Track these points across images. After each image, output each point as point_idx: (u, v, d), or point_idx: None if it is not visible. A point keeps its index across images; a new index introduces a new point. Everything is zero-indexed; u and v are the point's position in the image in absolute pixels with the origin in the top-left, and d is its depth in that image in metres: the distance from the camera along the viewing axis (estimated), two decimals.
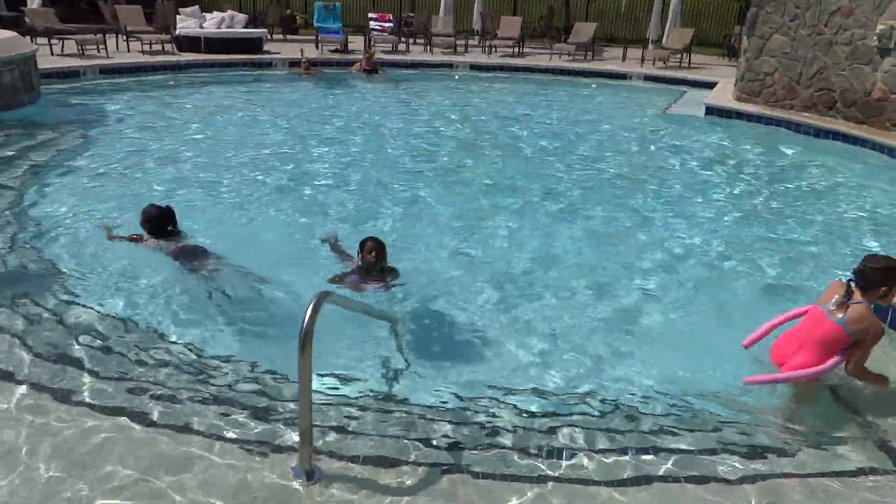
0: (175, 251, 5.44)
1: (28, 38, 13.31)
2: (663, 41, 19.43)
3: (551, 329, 4.79)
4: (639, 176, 8.87)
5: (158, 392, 3.68)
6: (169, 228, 5.64)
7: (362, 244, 5.07)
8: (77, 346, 4.11)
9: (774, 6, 11.96)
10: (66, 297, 4.82)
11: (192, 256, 5.42)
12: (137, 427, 3.32)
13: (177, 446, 3.20)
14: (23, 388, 3.58)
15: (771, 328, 4.16)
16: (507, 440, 3.44)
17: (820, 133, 11.09)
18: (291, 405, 3.55)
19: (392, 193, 7.73)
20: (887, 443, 3.57)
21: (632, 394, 4.06)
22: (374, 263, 4.98)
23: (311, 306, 2.95)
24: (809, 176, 9.15)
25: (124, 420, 3.37)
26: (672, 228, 7.05)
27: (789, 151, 10.33)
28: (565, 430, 3.57)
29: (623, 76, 16.93)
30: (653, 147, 10.53)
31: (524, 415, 3.73)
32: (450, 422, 3.56)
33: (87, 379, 3.74)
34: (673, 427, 3.67)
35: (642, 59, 18.24)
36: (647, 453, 3.38)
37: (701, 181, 8.83)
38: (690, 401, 3.98)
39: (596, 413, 3.80)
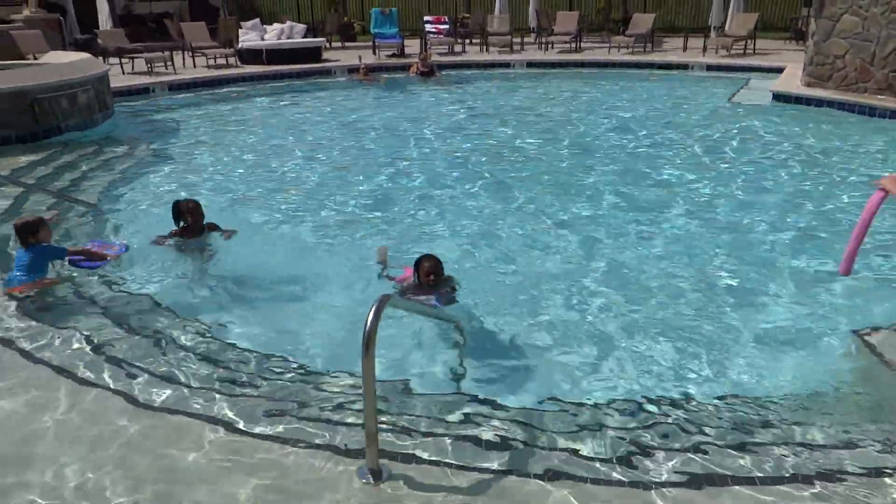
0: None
1: (100, 58, 13.93)
2: (726, 28, 18.89)
3: (619, 335, 4.70)
4: (704, 170, 8.64)
5: (230, 395, 3.79)
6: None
7: (418, 264, 4.90)
8: (166, 357, 4.25)
9: None
10: (141, 305, 5.02)
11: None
12: (206, 431, 3.44)
13: (244, 448, 3.30)
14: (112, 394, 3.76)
15: (858, 242, 3.99)
16: (573, 444, 3.40)
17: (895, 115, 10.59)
18: (358, 406, 3.61)
19: (451, 197, 7.76)
20: None
21: (701, 398, 3.96)
22: (433, 285, 4.82)
23: (373, 309, 2.99)
24: (883, 161, 8.74)
25: (195, 422, 3.50)
26: (747, 222, 6.84)
27: (860, 136, 9.89)
28: (637, 434, 3.51)
29: (685, 66, 16.55)
30: (718, 138, 10.22)
31: (589, 420, 3.68)
32: (515, 421, 3.55)
33: (169, 386, 3.88)
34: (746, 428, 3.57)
35: (704, 48, 17.77)
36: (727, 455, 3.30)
37: (770, 170, 8.53)
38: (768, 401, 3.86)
39: (663, 419, 3.72)
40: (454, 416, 3.62)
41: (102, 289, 5.25)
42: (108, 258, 5.69)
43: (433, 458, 3.23)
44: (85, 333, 4.47)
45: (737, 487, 3.04)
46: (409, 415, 3.62)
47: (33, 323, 4.59)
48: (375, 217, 7.15)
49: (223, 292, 5.36)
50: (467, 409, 3.70)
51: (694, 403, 3.83)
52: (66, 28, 19.01)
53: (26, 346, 4.31)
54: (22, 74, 9.87)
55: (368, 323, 2.95)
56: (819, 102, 11.63)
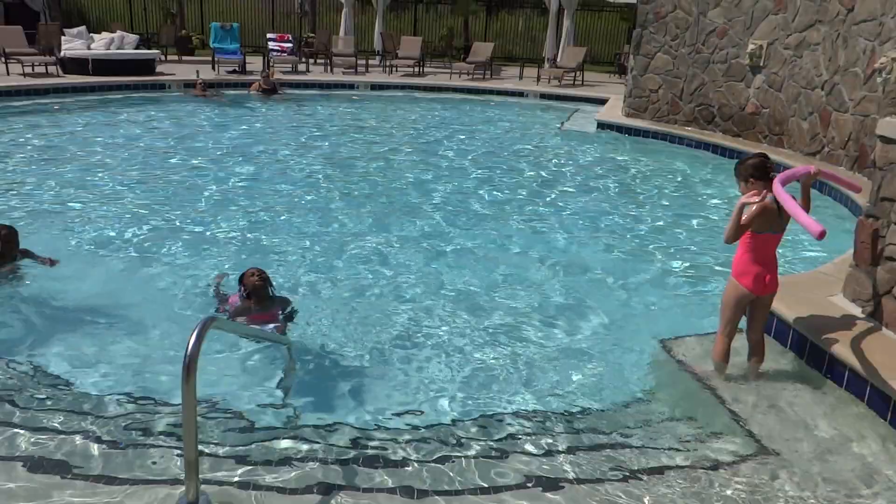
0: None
1: None
2: (558, 60, 20.16)
3: (443, 349, 4.85)
4: (533, 190, 9.16)
5: (36, 425, 3.50)
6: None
7: (242, 277, 4.86)
8: None
9: (657, 27, 12.65)
10: None
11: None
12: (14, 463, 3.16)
13: (52, 480, 3.06)
14: None
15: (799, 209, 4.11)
16: (398, 458, 3.47)
17: (700, 145, 11.79)
18: (178, 433, 3.46)
19: (286, 217, 7.64)
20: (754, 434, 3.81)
21: (522, 405, 4.17)
22: (261, 288, 4.79)
23: (195, 331, 2.89)
24: (691, 184, 9.71)
25: None
26: (566, 237, 7.31)
27: (669, 162, 10.93)
28: (453, 447, 3.63)
29: (521, 94, 17.44)
30: (548, 161, 10.90)
31: (417, 436, 3.76)
32: (343, 445, 3.56)
33: None
34: (575, 431, 3.80)
35: (538, 78, 18.86)
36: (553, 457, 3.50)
37: (591, 191, 9.20)
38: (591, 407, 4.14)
39: (477, 427, 3.87)
40: (281, 442, 3.56)
41: None
42: None
43: (257, 485, 3.16)
44: None
45: (549, 494, 3.23)
46: (233, 443, 3.52)
47: None
48: (207, 238, 6.89)
49: (37, 322, 4.95)
50: (294, 434, 3.65)
51: (509, 417, 3.99)
52: None
53: None
54: None
55: (190, 346, 2.85)
56: (637, 131, 12.71)
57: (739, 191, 4.20)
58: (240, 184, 8.88)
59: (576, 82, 18.89)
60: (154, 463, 3.28)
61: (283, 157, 10.44)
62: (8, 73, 15.40)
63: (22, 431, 3.48)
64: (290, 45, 19.52)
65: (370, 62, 20.34)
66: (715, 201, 8.99)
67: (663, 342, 4.88)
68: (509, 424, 3.88)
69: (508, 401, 4.21)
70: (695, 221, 8.09)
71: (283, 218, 7.58)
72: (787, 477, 3.43)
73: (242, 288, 4.83)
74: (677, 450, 3.67)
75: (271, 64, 18.29)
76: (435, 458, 3.49)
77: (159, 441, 3.49)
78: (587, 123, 13.70)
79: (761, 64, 11.37)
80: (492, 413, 4.04)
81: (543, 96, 17.23)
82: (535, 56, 22.69)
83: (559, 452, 3.58)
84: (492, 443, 3.68)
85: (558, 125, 13.88)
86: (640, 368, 4.66)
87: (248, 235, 7.01)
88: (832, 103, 9.75)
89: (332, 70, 19.34)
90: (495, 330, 5.18)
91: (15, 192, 7.96)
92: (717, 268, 6.54)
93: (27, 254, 5.73)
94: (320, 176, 9.44)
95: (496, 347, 4.90)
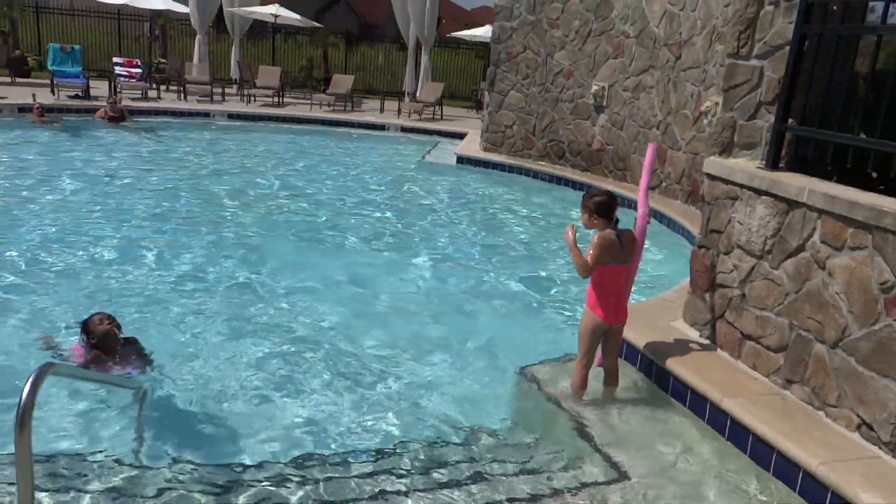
0: None
1: None
2: (417, 94, 20.61)
3: (299, 386, 4.74)
4: (394, 221, 9.27)
5: None
6: None
7: (86, 325, 4.50)
8: None
9: (509, 66, 13.29)
10: None
11: None
12: None
13: None
14: None
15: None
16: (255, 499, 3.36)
17: (553, 179, 12.45)
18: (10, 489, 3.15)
19: (129, 251, 7.23)
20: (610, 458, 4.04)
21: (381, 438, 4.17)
22: (114, 336, 4.46)
23: (30, 379, 2.67)
24: (545, 215, 10.22)
25: None
26: (427, 268, 7.44)
27: (524, 195, 11.46)
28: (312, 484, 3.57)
29: (382, 127, 17.63)
30: (408, 194, 11.08)
31: (278, 475, 3.67)
32: (206, 484, 3.40)
33: None
34: (428, 462, 3.84)
35: (399, 111, 19.17)
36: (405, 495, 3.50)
37: (450, 223, 9.45)
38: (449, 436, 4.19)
39: (326, 464, 3.84)
40: (130, 489, 3.34)
41: None
42: None
43: None
44: None
45: None
46: (77, 494, 3.26)
47: None
48: (40, 278, 6.33)
49: None
50: (147, 480, 3.45)
51: (364, 454, 3.96)
52: None
53: None
54: None
55: (24, 396, 2.63)
56: (494, 165, 13.21)
57: (581, 221, 4.47)
58: (79, 212, 8.32)
59: (435, 116, 19.38)
60: None
61: (127, 186, 9.89)
62: None
63: None
64: (139, 70, 18.61)
65: (227, 91, 19.82)
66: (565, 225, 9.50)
67: (522, 369, 5.06)
68: (365, 461, 3.86)
69: (363, 435, 4.17)
70: (551, 250, 8.50)
71: (129, 253, 7.16)
72: (639, 495, 3.65)
73: (88, 337, 4.47)
74: (537, 472, 3.81)
75: (119, 90, 17.36)
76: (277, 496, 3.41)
77: None
78: (447, 156, 14.07)
79: (604, 104, 12.23)
80: (343, 451, 3.97)
81: (404, 129, 17.51)
82: (396, 90, 23.07)
83: (414, 489, 3.60)
84: (348, 478, 3.64)
85: (419, 158, 14.15)
86: (500, 395, 4.80)
87: (92, 273, 6.55)
88: (667, 141, 10.64)
89: (185, 98, 18.64)
90: (350, 364, 5.10)
91: None
92: (570, 295, 6.89)
93: None
94: (168, 206, 9.01)
95: (347, 381, 4.82)
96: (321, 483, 3.56)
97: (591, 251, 4.26)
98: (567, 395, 4.64)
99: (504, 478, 3.73)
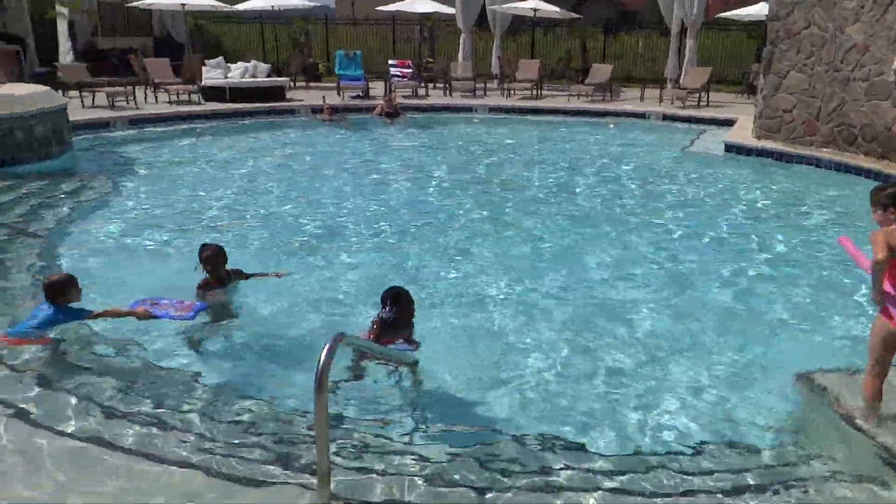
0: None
1: (59, 91, 13.77)
2: (681, 81, 19.57)
3: (580, 373, 4.76)
4: (660, 215, 8.86)
5: (180, 431, 3.71)
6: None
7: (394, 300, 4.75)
8: (110, 391, 4.15)
9: (789, 44, 12.03)
10: (93, 341, 4.89)
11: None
12: (156, 467, 3.36)
13: (193, 483, 3.22)
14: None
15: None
16: (527, 484, 3.41)
17: (840, 167, 11.03)
18: (310, 445, 3.55)
19: (413, 238, 7.81)
20: None
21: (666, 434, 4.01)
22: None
23: (326, 347, 2.99)
24: (828, 209, 9.09)
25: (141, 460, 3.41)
26: (695, 265, 7.02)
27: (806, 187, 10.28)
28: (592, 475, 3.54)
29: (642, 115, 17.04)
30: (674, 186, 10.52)
31: (548, 461, 3.69)
32: (473, 461, 3.54)
33: (120, 422, 3.79)
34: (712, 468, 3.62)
35: (660, 99, 18.36)
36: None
37: (719, 216, 8.80)
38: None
39: (612, 455, 3.75)
40: (409, 456, 3.59)
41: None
42: (184, 313, 5.07)
43: (388, 499, 3.19)
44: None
45: None
46: (364, 456, 3.58)
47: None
48: (346, 257, 7.10)
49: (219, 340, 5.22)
50: (419, 452, 3.67)
51: (642, 455, 3.85)
52: (26, 61, 18.78)
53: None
54: None
55: (321, 361, 2.94)
56: (769, 154, 12.07)
57: (875, 219, 3.87)
58: (373, 201, 9.25)
59: (701, 103, 18.24)
60: (286, 469, 3.39)
61: (411, 178, 10.74)
62: (157, 101, 16.72)
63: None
64: (410, 70, 20.07)
65: (488, 85, 20.57)
66: (860, 223, 8.36)
67: (802, 376, 4.57)
68: (645, 460, 3.74)
69: (638, 434, 4.06)
70: (835, 249, 7.55)
71: (418, 239, 7.75)
72: None
73: (391, 306, 4.78)
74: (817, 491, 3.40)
75: (393, 89, 18.86)
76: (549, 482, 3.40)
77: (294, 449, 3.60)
78: (714, 146, 13.17)
79: None
80: (631, 449, 3.89)
81: (666, 118, 16.74)
82: (657, 77, 22.14)
83: (694, 489, 3.40)
84: (632, 476, 3.54)
85: (682, 147, 13.43)
86: (777, 404, 4.37)
87: (389, 257, 7.14)
88: None
89: (450, 94, 19.70)
90: (621, 362, 5.00)
91: (150, 210, 8.59)
92: (860, 299, 6.06)
93: (239, 274, 5.78)
94: (450, 198, 9.59)
95: (620, 379, 4.73)
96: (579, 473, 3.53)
97: (877, 250, 3.66)
98: (860, 410, 4.07)
99: (777, 489, 3.39)
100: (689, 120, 16.40)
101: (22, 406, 3.89)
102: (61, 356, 4.60)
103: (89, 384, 4.25)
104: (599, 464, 3.66)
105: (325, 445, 2.98)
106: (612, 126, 16.23)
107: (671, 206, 9.31)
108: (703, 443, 3.92)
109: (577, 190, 10.21)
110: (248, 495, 3.18)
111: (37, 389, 4.12)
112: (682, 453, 3.80)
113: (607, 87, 19.45)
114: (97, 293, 5.43)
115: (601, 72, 20.00)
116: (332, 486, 3.08)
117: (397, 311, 4.66)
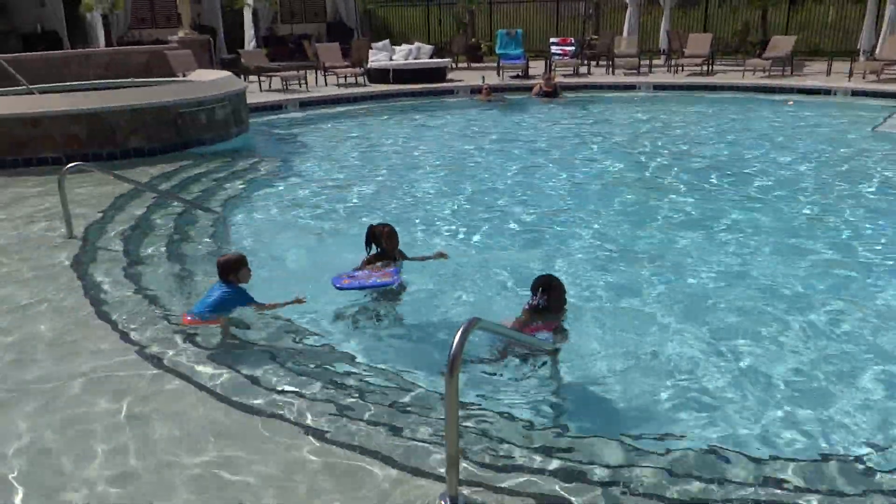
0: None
1: (241, 76, 14.87)
2: (876, 52, 17.56)
3: (731, 370, 4.42)
4: (841, 204, 7.99)
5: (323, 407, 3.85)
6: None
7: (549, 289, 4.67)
8: (266, 367, 4.34)
9: None
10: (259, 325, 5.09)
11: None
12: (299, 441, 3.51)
13: (326, 460, 3.33)
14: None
15: None
16: (664, 482, 3.21)
17: None
18: (439, 430, 3.56)
19: (574, 218, 7.66)
20: None
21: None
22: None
23: (460, 332, 2.96)
24: None
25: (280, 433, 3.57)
26: (883, 268, 6.27)
27: None
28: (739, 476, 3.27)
29: (827, 91, 15.50)
30: (858, 172, 9.45)
31: (692, 461, 3.45)
32: (604, 457, 3.40)
33: (263, 393, 4.00)
34: None
35: (850, 73, 16.59)
36: None
37: None
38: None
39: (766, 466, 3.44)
40: (542, 449, 3.49)
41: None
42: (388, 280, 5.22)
43: (515, 491, 3.12)
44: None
45: None
46: (494, 442, 3.54)
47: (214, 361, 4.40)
48: (503, 237, 7.13)
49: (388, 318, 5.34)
50: (556, 442, 3.57)
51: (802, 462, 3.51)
52: (216, 48, 20.45)
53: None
54: (167, 91, 10.68)
55: (454, 345, 2.92)
56: None
57: None
58: (534, 180, 9.27)
59: None
60: (415, 454, 3.41)
61: (569, 159, 10.59)
62: (326, 84, 17.59)
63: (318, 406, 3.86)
64: (572, 48, 19.60)
65: (654, 62, 19.62)
66: None
67: None
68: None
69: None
70: None
71: (578, 221, 7.63)
72: None
73: (544, 296, 4.68)
74: None
75: (553, 67, 18.53)
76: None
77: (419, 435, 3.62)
78: None
79: None
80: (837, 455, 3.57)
81: (856, 93, 15.11)
82: (847, 49, 20.01)
83: None
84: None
85: (873, 127, 12.05)
86: None
87: (545, 236, 7.14)
88: None
89: (613, 71, 19.02)
90: (820, 357, 4.61)
91: (319, 187, 9.04)
92: None
93: (402, 255, 5.77)
94: (608, 181, 9.32)
95: (819, 377, 4.35)
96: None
97: None
98: None
99: None
100: (883, 95, 14.69)
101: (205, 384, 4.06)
102: (233, 337, 4.82)
103: (259, 363, 4.38)
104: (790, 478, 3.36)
105: (454, 431, 2.97)
106: (790, 102, 14.90)
107: (857, 193, 8.36)
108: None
109: (748, 171, 9.46)
110: (375, 479, 3.22)
111: (214, 368, 4.25)
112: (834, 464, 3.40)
113: (788, 60, 17.87)
114: (268, 271, 5.78)
115: (782, 44, 18.39)
116: (460, 472, 3.06)
117: (548, 299, 4.58)
